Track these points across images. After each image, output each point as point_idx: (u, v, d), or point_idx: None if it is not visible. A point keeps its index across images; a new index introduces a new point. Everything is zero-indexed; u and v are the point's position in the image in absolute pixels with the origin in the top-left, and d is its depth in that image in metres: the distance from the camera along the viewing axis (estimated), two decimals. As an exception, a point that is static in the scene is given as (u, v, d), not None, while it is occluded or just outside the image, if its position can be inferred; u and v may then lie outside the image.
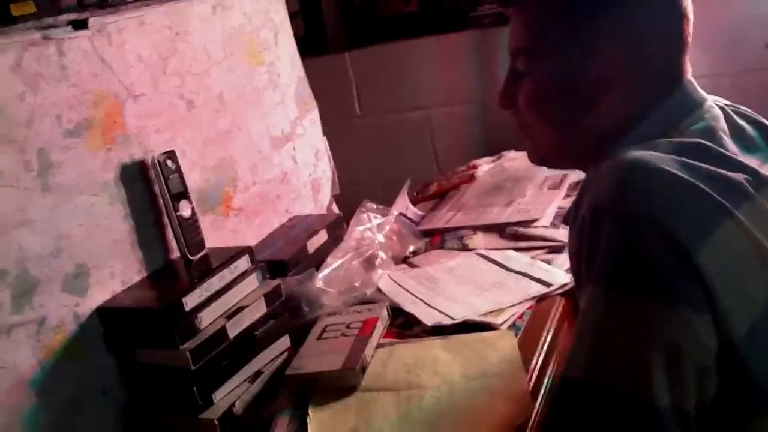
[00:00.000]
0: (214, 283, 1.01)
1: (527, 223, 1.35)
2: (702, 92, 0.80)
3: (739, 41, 1.69)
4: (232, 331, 1.00)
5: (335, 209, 1.58)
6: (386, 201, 1.49)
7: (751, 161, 0.74)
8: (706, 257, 0.63)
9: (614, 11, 0.76)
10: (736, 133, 0.78)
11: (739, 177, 0.70)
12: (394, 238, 1.36)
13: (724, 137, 0.75)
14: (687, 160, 0.68)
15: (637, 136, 0.75)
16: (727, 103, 0.84)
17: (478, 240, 1.36)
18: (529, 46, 0.82)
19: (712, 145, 0.72)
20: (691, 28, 0.78)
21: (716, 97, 0.84)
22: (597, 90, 0.78)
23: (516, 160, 1.68)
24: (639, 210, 0.65)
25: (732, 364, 0.63)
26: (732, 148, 0.74)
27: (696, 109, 0.77)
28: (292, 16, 1.51)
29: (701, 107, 0.78)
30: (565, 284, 1.12)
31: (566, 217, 0.84)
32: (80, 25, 1.00)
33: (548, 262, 1.22)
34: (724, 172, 0.69)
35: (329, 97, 1.68)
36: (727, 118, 0.79)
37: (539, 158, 0.89)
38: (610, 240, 0.65)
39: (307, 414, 0.93)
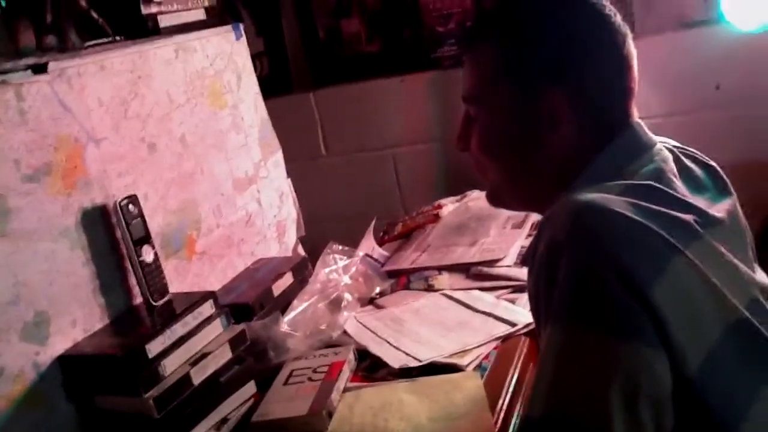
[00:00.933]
0: (178, 329, 1.00)
1: (491, 263, 1.37)
2: (651, 135, 0.83)
3: (691, 82, 1.75)
4: (197, 378, 0.99)
5: (301, 251, 1.58)
6: (353, 238, 1.49)
7: (699, 202, 0.77)
8: (659, 293, 0.65)
9: (554, 57, 0.79)
10: (685, 174, 0.81)
11: (688, 217, 0.72)
12: (360, 279, 1.36)
13: (674, 179, 0.78)
14: (637, 201, 0.71)
15: (587, 179, 0.77)
16: (677, 144, 0.87)
17: (444, 280, 1.37)
18: (477, 92, 0.85)
19: (661, 186, 0.75)
20: (635, 75, 0.82)
21: (666, 139, 0.87)
22: (541, 134, 0.81)
23: (479, 199, 1.70)
24: (594, 247, 0.67)
25: (688, 396, 0.65)
26: (681, 189, 0.77)
27: (646, 152, 0.80)
28: (257, 55, 1.53)
29: (651, 150, 0.80)
30: (530, 324, 1.13)
31: (524, 258, 0.86)
32: (40, 69, 1.00)
33: (512, 301, 1.23)
34: (674, 212, 0.72)
35: (294, 137, 1.69)
36: (676, 159, 0.82)
37: (495, 199, 0.91)
38: (567, 276, 0.67)
39: (274, 462, 0.92)
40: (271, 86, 1.70)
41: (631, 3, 1.75)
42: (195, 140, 1.28)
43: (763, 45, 1.63)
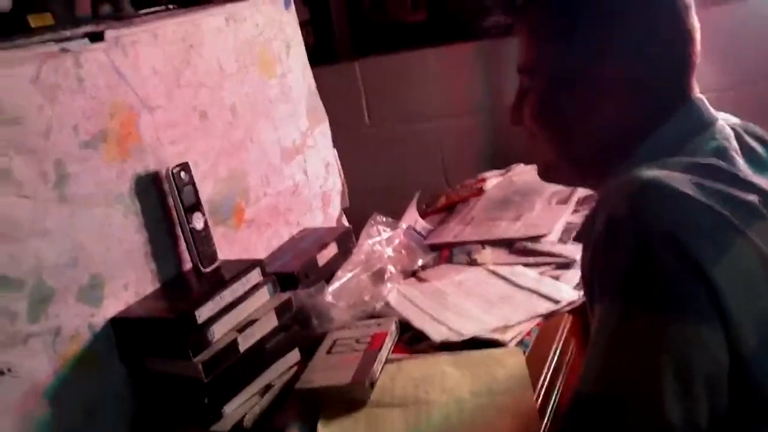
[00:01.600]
0: (227, 295, 1.02)
1: (535, 239, 1.36)
2: (713, 111, 0.81)
3: (742, 52, 1.69)
4: (244, 344, 1.01)
5: (345, 222, 1.59)
6: (395, 210, 1.50)
7: (761, 181, 0.75)
8: (719, 274, 0.64)
9: (616, 30, 0.77)
10: (748, 152, 0.79)
11: (751, 197, 0.71)
12: (403, 251, 1.37)
13: (736, 157, 0.76)
14: (700, 179, 0.69)
15: (646, 153, 0.76)
16: (738, 122, 0.85)
17: (487, 255, 1.37)
18: (532, 59, 0.83)
19: (724, 165, 0.73)
20: (697, 48, 0.79)
21: (727, 116, 0.85)
22: (598, 102, 0.79)
23: (524, 173, 1.68)
24: (655, 225, 0.66)
25: (743, 377, 0.64)
26: (744, 168, 0.75)
27: (708, 128, 0.78)
28: (302, 24, 1.52)
29: (713, 126, 0.79)
30: (574, 301, 1.13)
31: (579, 234, 0.85)
32: (96, 37, 1.02)
33: (556, 278, 1.22)
34: (737, 192, 0.70)
35: (338, 106, 1.69)
36: (738, 137, 0.80)
37: (547, 173, 0.90)
38: (626, 253, 0.66)
39: (316, 428, 0.94)
40: (317, 55, 1.70)
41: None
42: (244, 109, 1.29)
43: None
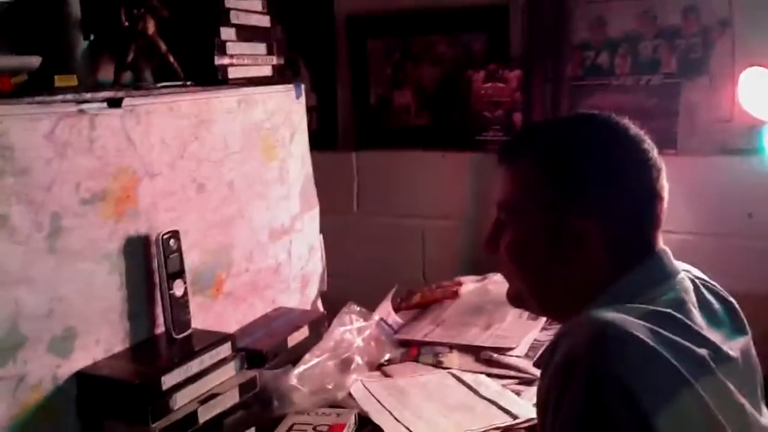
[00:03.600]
0: (194, 366, 1.04)
1: (503, 350, 1.39)
2: (675, 263, 0.86)
3: (725, 207, 1.78)
4: (203, 416, 1.02)
5: (320, 306, 1.62)
6: (371, 300, 1.53)
7: (714, 336, 0.79)
8: (663, 422, 0.67)
9: (593, 188, 0.83)
10: (704, 306, 0.84)
11: (703, 351, 0.75)
12: (373, 343, 1.39)
13: (693, 310, 0.80)
14: (656, 328, 0.73)
15: (609, 297, 0.80)
16: (698, 275, 0.90)
17: (453, 359, 1.39)
18: (512, 203, 0.88)
19: (681, 316, 0.77)
20: (665, 206, 0.85)
21: (689, 267, 0.90)
22: (569, 254, 0.84)
23: (501, 284, 1.71)
24: (609, 370, 0.69)
25: None
26: (699, 321, 0.80)
27: (668, 280, 0.83)
28: (308, 110, 1.59)
29: (673, 278, 0.84)
30: (531, 419, 1.15)
31: (538, 361, 0.88)
32: (115, 103, 1.07)
33: (518, 393, 1.25)
34: (689, 345, 0.74)
35: (330, 191, 1.75)
36: (697, 291, 0.85)
37: (515, 301, 0.94)
38: (578, 392, 0.70)
39: None
40: (317, 141, 1.77)
41: (676, 123, 1.80)
42: (242, 187, 1.34)
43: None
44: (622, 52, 1.87)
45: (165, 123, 1.16)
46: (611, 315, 0.74)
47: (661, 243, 0.86)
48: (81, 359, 1.02)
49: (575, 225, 0.83)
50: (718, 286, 0.90)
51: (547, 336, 1.44)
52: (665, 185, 0.85)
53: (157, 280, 1.12)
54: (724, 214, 1.78)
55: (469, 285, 1.74)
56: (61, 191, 0.99)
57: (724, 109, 1.76)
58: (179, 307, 1.12)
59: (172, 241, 1.12)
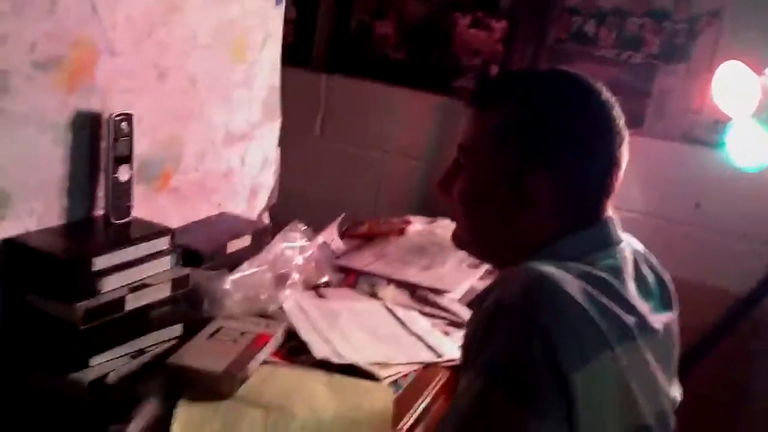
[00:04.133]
0: (129, 252, 1.02)
1: (439, 292, 1.41)
2: (620, 233, 0.88)
3: (677, 193, 1.82)
4: (131, 304, 1.01)
5: (266, 219, 1.60)
6: (318, 222, 1.52)
7: (642, 307, 0.82)
8: (578, 379, 0.70)
9: (556, 146, 0.83)
10: (639, 278, 0.86)
11: (629, 320, 0.77)
12: (312, 264, 1.39)
13: (628, 279, 0.83)
14: (590, 289, 0.75)
15: (549, 253, 0.82)
16: (640, 249, 0.92)
17: (389, 292, 1.40)
18: (474, 147, 0.88)
19: (615, 282, 0.79)
20: (620, 176, 0.86)
21: (632, 239, 0.92)
22: (519, 206, 0.85)
23: (448, 228, 1.73)
24: (536, 319, 0.71)
25: None
26: (631, 291, 0.82)
27: (610, 247, 0.85)
28: (286, 21, 1.54)
29: (615, 246, 0.85)
30: (454, 359, 1.17)
31: (471, 303, 0.90)
32: (83, -33, 1.01)
33: (446, 333, 1.27)
34: (618, 310, 0.76)
35: (295, 109, 1.71)
36: (635, 262, 0.87)
37: (460, 243, 0.95)
38: (503, 337, 0.71)
39: (175, 406, 0.94)
40: (291, 55, 1.72)
41: (647, 104, 1.81)
42: (205, 83, 1.30)
43: (754, 183, 1.70)
44: (609, 24, 1.86)
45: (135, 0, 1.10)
46: (548, 269, 0.75)
47: (610, 211, 0.88)
48: (12, 227, 0.99)
49: (531, 178, 0.83)
50: (656, 262, 0.93)
51: (484, 284, 1.46)
52: (625, 155, 0.86)
53: (102, 162, 1.08)
54: (675, 199, 1.83)
55: (417, 225, 1.75)
56: (13, 49, 0.94)
57: (695, 100, 1.78)
58: (121, 193, 1.09)
59: (124, 124, 1.08)
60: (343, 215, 1.64)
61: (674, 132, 1.81)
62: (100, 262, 0.98)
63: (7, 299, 0.99)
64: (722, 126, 1.71)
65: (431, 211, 1.83)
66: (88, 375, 0.96)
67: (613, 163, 0.85)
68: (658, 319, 0.85)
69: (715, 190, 1.77)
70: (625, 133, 0.87)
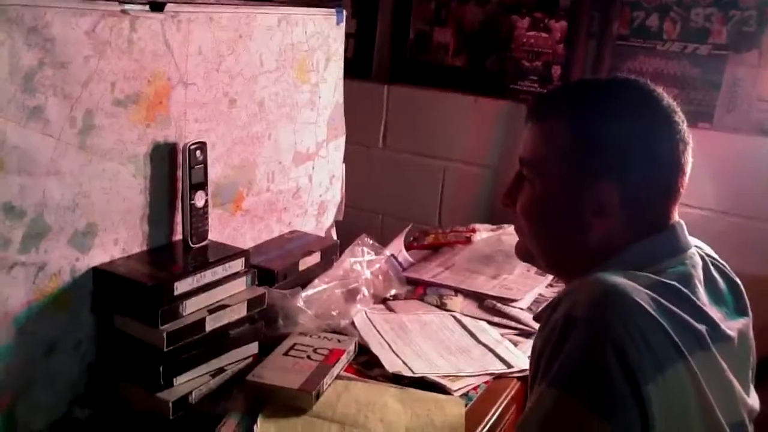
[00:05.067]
0: (207, 275, 1.07)
1: (507, 301, 1.42)
2: (689, 238, 0.87)
3: (752, 188, 1.76)
4: (210, 325, 1.06)
5: (334, 234, 1.64)
6: (384, 235, 1.55)
7: (715, 314, 0.81)
8: (653, 390, 0.69)
9: (619, 155, 0.83)
10: (710, 284, 0.85)
11: (701, 327, 0.76)
12: (380, 277, 1.42)
13: (699, 286, 0.82)
14: (660, 299, 0.75)
15: (618, 263, 0.82)
16: (709, 253, 0.91)
17: (457, 303, 1.42)
18: (537, 160, 0.89)
19: (686, 291, 0.79)
20: (686, 181, 0.86)
21: (701, 244, 0.91)
22: (585, 218, 0.85)
23: (514, 236, 1.73)
24: (608, 331, 0.71)
25: None
26: (702, 297, 0.81)
27: (679, 254, 0.84)
28: (346, 36, 1.58)
29: (685, 253, 0.85)
30: (525, 369, 1.18)
31: (539, 316, 0.91)
32: (157, 7, 1.07)
33: (515, 343, 1.28)
34: (690, 319, 0.76)
35: (358, 122, 1.75)
36: (705, 268, 0.86)
37: (524, 256, 0.96)
38: (575, 348, 0.72)
39: (256, 422, 0.98)
40: (351, 68, 1.76)
41: (716, 96, 1.76)
42: (272, 106, 1.34)
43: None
44: (672, 16, 1.81)
45: (204, 33, 1.16)
46: (617, 279, 0.75)
47: (677, 216, 0.87)
48: (99, 256, 1.05)
49: (596, 189, 0.84)
50: (727, 266, 0.92)
51: (553, 293, 1.46)
52: (689, 160, 0.86)
53: (179, 189, 1.14)
54: (749, 195, 1.77)
55: (482, 233, 1.75)
56: (96, 89, 1.00)
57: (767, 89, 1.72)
58: (198, 218, 1.14)
59: (198, 152, 1.13)
60: (409, 227, 1.66)
61: (747, 124, 1.76)
62: (182, 286, 1.03)
63: (98, 322, 1.05)
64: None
65: (497, 219, 1.83)
66: (173, 394, 1.01)
67: (677, 168, 0.85)
68: (732, 326, 0.84)
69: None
70: (689, 138, 0.86)
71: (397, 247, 1.58)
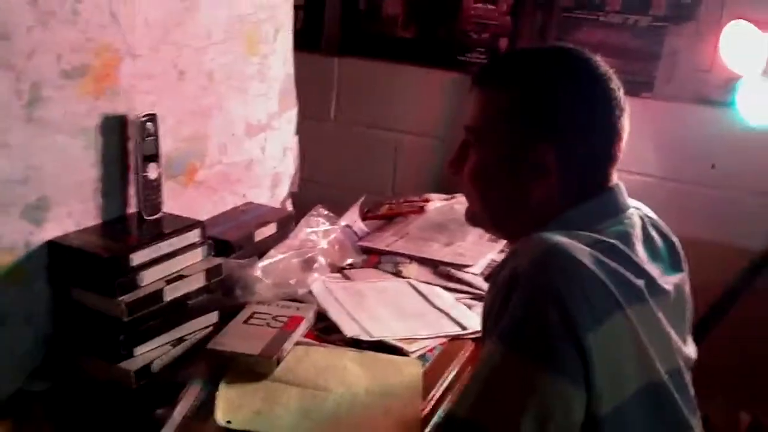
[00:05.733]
0: (163, 247, 1.07)
1: (460, 267, 1.45)
2: (628, 200, 0.92)
3: (691, 154, 1.83)
4: (168, 295, 1.06)
5: (289, 206, 1.65)
6: (339, 206, 1.57)
7: (652, 270, 0.86)
8: (592, 339, 0.73)
9: (558, 120, 0.87)
10: (648, 242, 0.90)
11: (639, 282, 0.81)
12: (336, 247, 1.44)
13: (637, 243, 0.86)
14: (599, 255, 0.79)
15: (559, 223, 0.86)
16: (648, 213, 0.96)
17: (412, 270, 1.45)
18: (479, 126, 0.92)
19: (624, 248, 0.83)
20: (622, 145, 0.90)
21: (640, 205, 0.96)
22: (526, 180, 0.89)
23: (466, 204, 1.77)
24: (549, 287, 0.75)
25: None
26: (641, 254, 0.86)
27: (618, 214, 0.89)
28: (295, 8, 1.57)
29: (623, 213, 0.89)
30: (479, 331, 1.22)
31: (489, 276, 0.94)
32: (102, -23, 1.06)
33: (469, 307, 1.32)
34: (628, 274, 0.80)
35: (309, 95, 1.75)
36: (643, 227, 0.91)
37: (473, 220, 0.99)
38: (518, 304, 0.76)
39: (217, 388, 1.00)
40: (301, 40, 1.75)
41: (656, 66, 1.82)
42: (221, 78, 1.34)
43: (765, 139, 1.71)
44: (614, -11, 1.86)
45: (150, 4, 1.14)
46: (558, 238, 0.79)
47: (615, 179, 0.91)
48: (53, 229, 1.04)
49: (536, 153, 0.87)
50: (664, 225, 0.96)
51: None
52: (626, 125, 0.90)
53: (131, 161, 1.14)
54: (689, 161, 1.84)
55: (435, 202, 1.78)
56: (42, 61, 0.98)
57: (705, 59, 1.78)
58: (152, 190, 1.14)
59: (149, 124, 1.13)
60: (363, 197, 1.68)
61: (685, 93, 1.82)
62: (138, 258, 1.03)
63: (54, 295, 1.05)
64: (732, 84, 1.72)
65: (449, 189, 1.86)
66: (133, 364, 1.02)
67: (614, 133, 0.89)
68: (669, 281, 0.89)
69: (729, 149, 1.78)
70: (625, 105, 0.90)
71: (352, 217, 1.60)
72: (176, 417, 0.93)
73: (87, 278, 1.02)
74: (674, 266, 0.92)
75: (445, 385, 1.09)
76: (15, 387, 1.01)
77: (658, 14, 1.81)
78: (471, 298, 1.36)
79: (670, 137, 1.82)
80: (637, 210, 0.92)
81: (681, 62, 1.82)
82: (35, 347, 1.04)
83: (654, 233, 0.92)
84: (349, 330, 1.17)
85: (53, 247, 1.03)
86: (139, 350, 1.03)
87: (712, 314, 1.68)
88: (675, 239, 0.95)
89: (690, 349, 0.91)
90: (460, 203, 1.79)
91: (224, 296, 1.19)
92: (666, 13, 1.81)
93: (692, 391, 0.86)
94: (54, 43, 0.99)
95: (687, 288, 0.94)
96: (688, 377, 0.87)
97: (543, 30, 1.95)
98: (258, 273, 1.23)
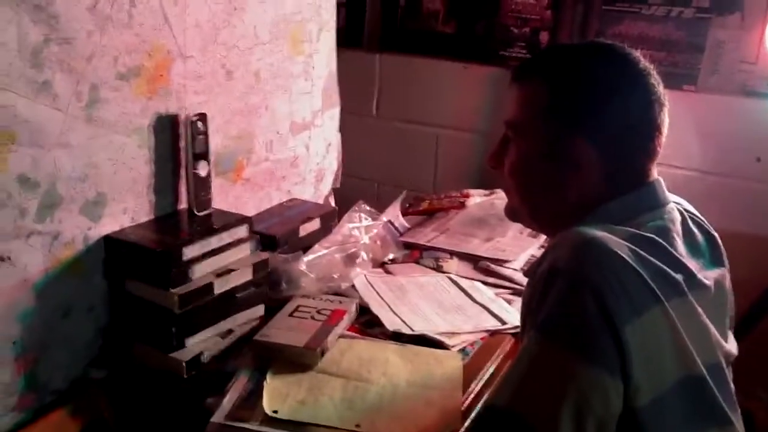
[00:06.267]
0: (213, 242, 1.12)
1: (500, 262, 1.47)
2: (667, 195, 0.92)
3: (736, 148, 1.81)
4: (218, 288, 1.11)
5: (332, 201, 1.69)
6: (381, 202, 1.60)
7: (692, 264, 0.86)
8: (631, 332, 0.74)
9: (597, 116, 0.88)
10: (688, 237, 0.90)
11: (678, 276, 0.81)
12: (378, 242, 1.47)
13: (677, 238, 0.87)
14: (638, 249, 0.80)
15: (598, 217, 0.87)
16: (688, 208, 0.96)
17: (452, 265, 1.47)
18: (519, 121, 0.93)
19: (663, 242, 0.84)
20: (662, 140, 0.91)
21: (680, 200, 0.96)
22: (566, 175, 0.90)
23: (506, 199, 1.79)
24: (587, 280, 0.76)
25: (633, 425, 0.75)
26: (680, 249, 0.86)
27: (658, 208, 0.89)
28: (337, 6, 1.60)
29: (663, 208, 0.90)
30: (518, 326, 1.23)
31: (528, 271, 0.96)
32: (155, -18, 1.10)
33: (509, 302, 1.33)
34: (666, 268, 0.81)
35: (351, 92, 1.78)
36: (683, 222, 0.91)
37: (513, 215, 1.01)
38: (557, 298, 0.77)
39: (265, 378, 1.04)
40: (342, 38, 1.78)
41: (700, 59, 1.80)
42: (267, 77, 1.38)
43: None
44: (656, -20, 1.84)
45: (200, 6, 1.19)
46: (596, 232, 0.80)
47: (655, 174, 0.92)
48: (109, 224, 1.09)
49: (574, 148, 0.88)
50: (705, 221, 0.97)
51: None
52: (666, 120, 0.90)
53: (182, 159, 1.18)
54: (733, 155, 1.81)
55: (476, 198, 1.80)
56: (99, 64, 1.03)
57: (750, 51, 1.75)
58: (202, 187, 1.19)
59: (199, 123, 1.17)
60: (404, 193, 1.70)
61: (730, 86, 1.79)
62: (189, 252, 1.08)
63: (110, 287, 1.10)
64: (780, 77, 1.70)
65: (489, 184, 1.87)
66: (185, 354, 1.07)
67: (653, 128, 0.89)
68: (709, 275, 0.89)
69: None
70: (665, 99, 0.90)
71: (393, 213, 1.63)
72: (226, 405, 0.97)
73: (141, 271, 1.07)
74: (715, 261, 0.92)
75: (485, 378, 1.11)
76: (76, 374, 1.07)
77: (702, 5, 1.79)
78: (511, 293, 1.38)
79: (714, 130, 1.80)
80: (677, 205, 0.93)
81: (725, 54, 1.79)
82: (94, 337, 1.10)
83: (694, 228, 0.92)
84: (391, 324, 1.20)
85: (109, 241, 1.08)
86: (190, 341, 1.08)
87: (754, 310, 1.67)
88: (715, 234, 0.95)
89: (731, 345, 0.91)
90: (500, 199, 1.80)
91: (270, 290, 1.23)
92: (710, 4, 1.78)
93: (732, 387, 0.86)
94: (111, 46, 1.04)
95: (728, 283, 0.94)
96: (728, 372, 0.87)
97: (584, 23, 1.94)
98: (303, 267, 1.26)
